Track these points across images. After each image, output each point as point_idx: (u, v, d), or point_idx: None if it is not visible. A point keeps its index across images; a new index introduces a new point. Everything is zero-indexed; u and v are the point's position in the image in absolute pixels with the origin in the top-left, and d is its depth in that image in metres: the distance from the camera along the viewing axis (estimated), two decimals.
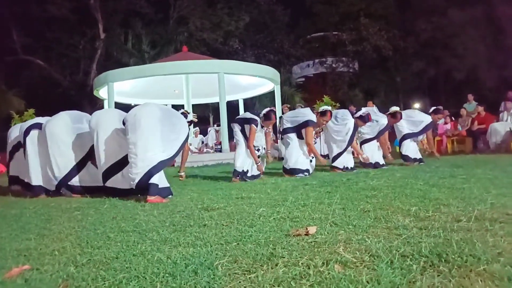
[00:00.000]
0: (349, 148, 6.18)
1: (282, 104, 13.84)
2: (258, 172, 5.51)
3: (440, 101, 21.47)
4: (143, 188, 3.89)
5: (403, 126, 6.88)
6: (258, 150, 5.41)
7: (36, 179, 4.84)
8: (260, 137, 5.43)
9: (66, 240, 2.32)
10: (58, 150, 4.63)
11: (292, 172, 5.62)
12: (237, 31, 23.70)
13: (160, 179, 3.91)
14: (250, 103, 17.85)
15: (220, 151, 11.46)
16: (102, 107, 15.77)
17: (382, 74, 22.01)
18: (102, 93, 13.06)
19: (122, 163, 4.27)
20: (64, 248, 2.10)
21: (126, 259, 1.81)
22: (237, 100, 15.46)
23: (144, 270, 1.62)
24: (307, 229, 2.08)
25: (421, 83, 22.27)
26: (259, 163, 5.39)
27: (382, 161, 6.58)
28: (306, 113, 5.78)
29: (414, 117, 6.96)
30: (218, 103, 12.18)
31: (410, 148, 6.88)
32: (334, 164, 6.15)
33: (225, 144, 11.19)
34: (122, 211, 3.32)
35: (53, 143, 4.64)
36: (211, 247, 1.96)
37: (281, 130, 5.98)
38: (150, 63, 18.42)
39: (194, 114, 5.21)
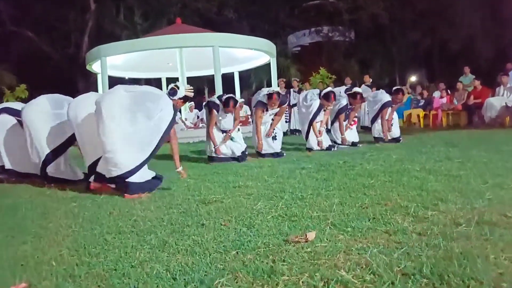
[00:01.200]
0: (323, 127, 6.41)
1: (278, 77, 13.65)
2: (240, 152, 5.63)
3: (434, 72, 21.30)
4: (119, 185, 3.66)
5: (371, 109, 7.22)
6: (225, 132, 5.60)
7: (8, 163, 4.83)
8: (227, 121, 5.57)
9: (63, 244, 2.30)
10: (37, 137, 4.42)
11: (260, 154, 5.86)
12: (232, 1, 23.02)
13: (140, 175, 3.62)
14: (245, 76, 17.60)
15: None
16: (95, 81, 15.53)
17: (378, 45, 21.65)
18: (95, 67, 12.80)
19: None
20: (62, 256, 2.09)
21: (124, 272, 1.80)
22: (233, 73, 15.23)
23: (143, 286, 1.62)
24: (306, 235, 2.07)
25: (416, 54, 21.96)
26: (217, 146, 5.52)
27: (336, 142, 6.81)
28: (260, 94, 5.90)
29: (377, 97, 7.18)
30: (213, 75, 12.01)
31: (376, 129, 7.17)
32: (308, 146, 6.41)
33: None
34: (119, 203, 3.30)
35: (33, 130, 4.44)
36: (210, 256, 1.95)
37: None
38: (143, 35, 17.94)
39: (189, 87, 4.08)
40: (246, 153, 5.72)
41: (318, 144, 6.32)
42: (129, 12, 21.08)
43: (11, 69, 18.59)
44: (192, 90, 4.10)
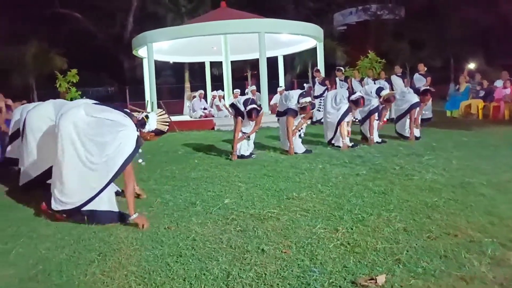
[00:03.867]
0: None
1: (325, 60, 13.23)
2: (249, 152, 5.85)
3: (494, 53, 19.81)
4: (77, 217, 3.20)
5: (398, 105, 7.11)
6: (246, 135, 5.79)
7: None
8: (250, 127, 5.80)
9: (128, 267, 2.34)
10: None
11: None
12: None
13: (103, 201, 3.17)
14: (289, 59, 17.24)
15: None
16: (141, 63, 15.84)
17: (430, 23, 20.25)
18: (141, 52, 13.03)
19: None
20: (130, 285, 2.12)
21: None
22: (277, 56, 14.99)
23: None
24: (375, 279, 1.98)
25: (473, 33, 20.36)
26: (235, 153, 5.74)
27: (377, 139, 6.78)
28: (292, 101, 5.95)
29: (405, 97, 7.06)
30: (256, 59, 11.92)
31: (405, 127, 7.02)
32: (334, 142, 6.46)
33: (265, 107, 11.00)
34: (175, 215, 3.32)
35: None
36: None
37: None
38: (188, 18, 17.99)
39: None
40: (253, 155, 5.87)
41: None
42: None
43: (62, 53, 19.26)
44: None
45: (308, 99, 6.10)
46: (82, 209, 3.16)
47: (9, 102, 8.07)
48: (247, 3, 20.90)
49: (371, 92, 6.81)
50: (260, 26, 10.95)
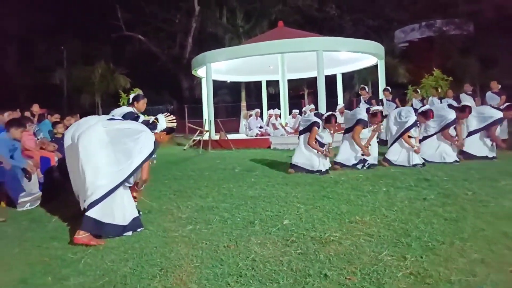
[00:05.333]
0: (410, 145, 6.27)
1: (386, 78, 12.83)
2: (327, 167, 5.96)
3: None
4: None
5: (472, 123, 6.72)
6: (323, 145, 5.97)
7: None
8: (326, 135, 5.98)
9: (189, 286, 2.34)
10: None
11: (340, 165, 6.25)
12: None
13: (104, 213, 3.27)
14: (347, 76, 16.94)
15: None
16: (199, 83, 16.43)
17: (503, 38, 18.91)
18: (200, 72, 13.47)
19: None
20: None
21: None
22: (335, 74, 14.81)
23: None
24: None
25: None
26: (324, 151, 5.93)
27: (450, 159, 6.43)
28: (360, 113, 6.22)
29: (485, 113, 6.67)
30: (313, 77, 11.85)
31: (474, 145, 6.67)
32: (387, 155, 6.46)
33: None
34: (234, 233, 3.31)
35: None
36: None
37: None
38: (245, 38, 18.43)
39: (171, 118, 3.75)
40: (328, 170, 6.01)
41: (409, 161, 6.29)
42: (231, 14, 21.79)
43: (126, 73, 20.59)
44: (175, 120, 3.76)
45: (380, 107, 6.40)
46: (88, 214, 3.20)
47: None
48: (304, 22, 21.06)
49: (444, 108, 6.69)
50: (318, 44, 10.89)
